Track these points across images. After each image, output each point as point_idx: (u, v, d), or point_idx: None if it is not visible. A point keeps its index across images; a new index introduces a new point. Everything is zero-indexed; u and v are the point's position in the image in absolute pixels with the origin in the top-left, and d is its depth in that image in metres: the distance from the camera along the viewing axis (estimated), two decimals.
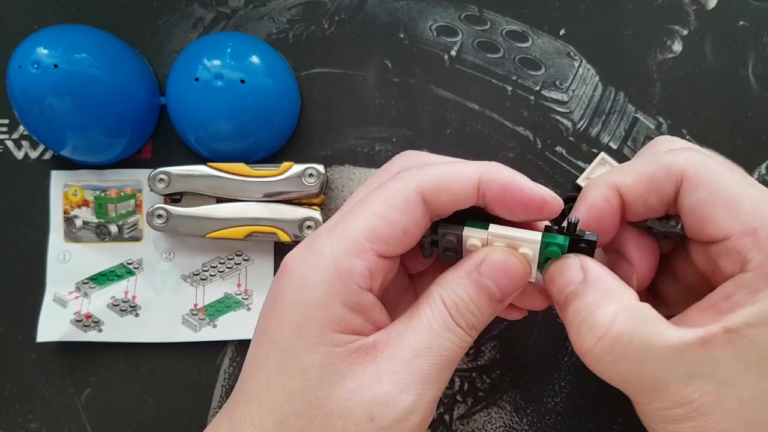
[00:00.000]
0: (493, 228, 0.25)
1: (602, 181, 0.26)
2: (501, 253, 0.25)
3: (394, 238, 0.24)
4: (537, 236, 0.25)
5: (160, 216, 0.36)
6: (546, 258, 0.25)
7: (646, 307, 0.24)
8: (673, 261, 0.28)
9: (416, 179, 0.25)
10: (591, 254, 0.25)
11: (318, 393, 0.23)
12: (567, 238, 0.25)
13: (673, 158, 0.25)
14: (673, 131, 0.38)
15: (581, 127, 0.38)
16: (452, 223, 0.26)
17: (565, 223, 0.26)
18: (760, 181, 0.37)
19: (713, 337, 0.22)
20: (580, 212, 0.26)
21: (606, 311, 0.23)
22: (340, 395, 0.23)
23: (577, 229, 0.25)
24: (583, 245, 0.25)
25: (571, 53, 0.39)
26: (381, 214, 0.24)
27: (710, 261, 0.25)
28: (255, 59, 0.36)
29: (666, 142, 0.28)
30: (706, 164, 0.24)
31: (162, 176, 0.36)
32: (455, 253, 0.26)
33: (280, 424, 0.23)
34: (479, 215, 0.26)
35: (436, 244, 0.26)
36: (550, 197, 0.25)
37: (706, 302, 0.24)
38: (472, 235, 0.25)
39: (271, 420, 0.23)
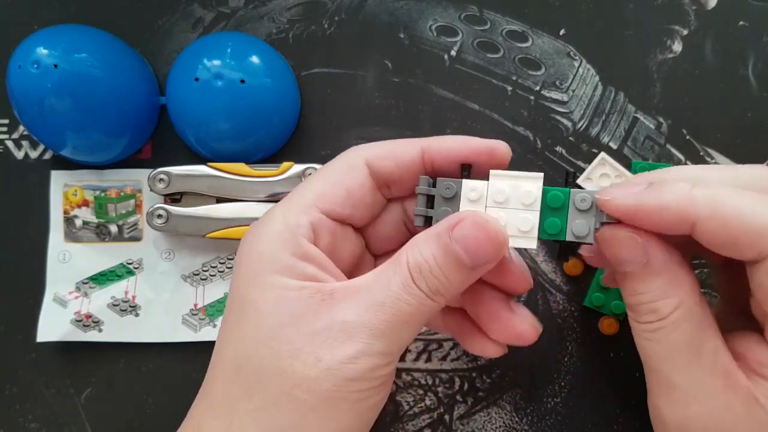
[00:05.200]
0: (494, 179, 0.26)
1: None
2: (477, 217, 0.24)
3: (337, 197, 0.27)
4: (538, 185, 0.25)
5: (160, 216, 0.36)
6: (549, 219, 0.25)
7: (705, 312, 0.24)
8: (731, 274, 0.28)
9: (361, 150, 0.28)
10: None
11: (270, 333, 0.24)
12: (567, 189, 0.25)
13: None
14: (673, 131, 0.38)
15: (581, 127, 0.38)
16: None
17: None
18: None
19: (738, 393, 0.23)
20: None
21: (667, 304, 0.24)
22: (290, 336, 0.24)
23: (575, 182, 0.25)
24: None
25: (571, 53, 0.39)
26: (325, 177, 0.27)
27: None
28: (255, 59, 0.36)
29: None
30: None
31: (162, 176, 0.36)
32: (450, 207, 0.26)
33: (237, 369, 0.24)
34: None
35: (431, 203, 0.26)
36: (494, 143, 0.27)
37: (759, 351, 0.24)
38: (473, 186, 0.26)
39: (230, 368, 0.25)
